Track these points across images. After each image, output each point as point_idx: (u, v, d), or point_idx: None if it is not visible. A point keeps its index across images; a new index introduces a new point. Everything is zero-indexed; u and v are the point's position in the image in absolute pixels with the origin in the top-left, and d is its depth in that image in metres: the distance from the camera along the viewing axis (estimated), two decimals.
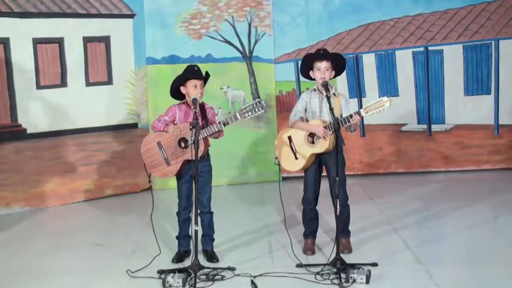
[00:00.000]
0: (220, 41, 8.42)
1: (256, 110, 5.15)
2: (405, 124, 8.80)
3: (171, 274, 4.91)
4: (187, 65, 5.47)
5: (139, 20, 8.14)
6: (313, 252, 5.56)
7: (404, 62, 8.73)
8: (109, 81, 7.96)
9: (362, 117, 5.20)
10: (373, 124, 8.58)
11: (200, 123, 5.13)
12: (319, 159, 5.49)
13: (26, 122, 7.37)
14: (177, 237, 5.58)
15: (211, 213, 5.50)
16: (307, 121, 5.49)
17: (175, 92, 5.40)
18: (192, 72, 5.30)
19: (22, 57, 7.30)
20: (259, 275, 5.03)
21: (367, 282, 4.82)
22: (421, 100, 8.80)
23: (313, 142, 5.39)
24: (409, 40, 8.67)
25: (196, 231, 4.95)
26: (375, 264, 5.14)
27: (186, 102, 5.38)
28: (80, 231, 6.59)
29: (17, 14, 7.23)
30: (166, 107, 5.47)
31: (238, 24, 8.45)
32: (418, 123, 8.83)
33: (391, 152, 8.80)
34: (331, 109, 5.11)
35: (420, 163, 8.81)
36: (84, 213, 7.29)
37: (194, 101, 5.15)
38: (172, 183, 5.73)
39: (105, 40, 7.91)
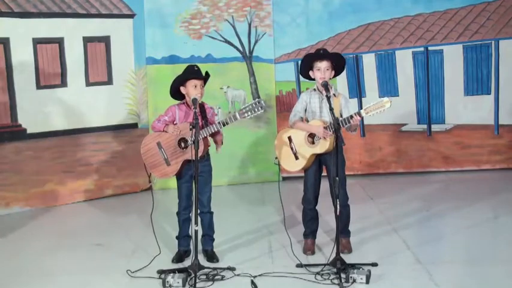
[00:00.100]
0: (220, 41, 8.42)
1: (256, 109, 5.15)
2: (405, 124, 8.80)
3: (171, 274, 4.91)
4: (187, 65, 5.47)
5: (139, 20, 8.14)
6: (313, 252, 5.56)
7: (404, 62, 8.73)
8: (109, 81, 7.96)
9: (362, 118, 5.21)
10: (373, 124, 8.58)
11: (200, 123, 5.12)
12: (319, 160, 5.49)
13: (26, 122, 7.37)
14: (177, 237, 5.58)
15: (211, 213, 5.50)
16: (307, 121, 5.49)
17: (175, 92, 5.40)
18: (192, 72, 5.30)
19: (22, 57, 7.30)
20: (259, 275, 5.03)
21: (367, 282, 4.82)
22: (421, 100, 8.80)
23: (313, 142, 5.39)
24: (409, 40, 8.67)
25: (196, 231, 4.95)
26: (375, 264, 5.14)
27: (186, 102, 5.38)
28: (80, 231, 6.60)
29: (17, 14, 7.23)
30: (166, 107, 5.47)
31: (238, 24, 8.45)
32: (418, 123, 8.83)
33: (391, 152, 8.80)
34: (331, 109, 5.11)
35: (420, 163, 8.81)
36: (84, 213, 7.29)
37: (194, 101, 5.15)
38: (172, 183, 5.74)
39: (105, 40, 7.91)
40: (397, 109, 8.21)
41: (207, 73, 5.37)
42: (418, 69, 8.75)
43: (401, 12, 8.65)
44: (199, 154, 5.03)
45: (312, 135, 5.39)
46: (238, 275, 5.08)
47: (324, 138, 5.28)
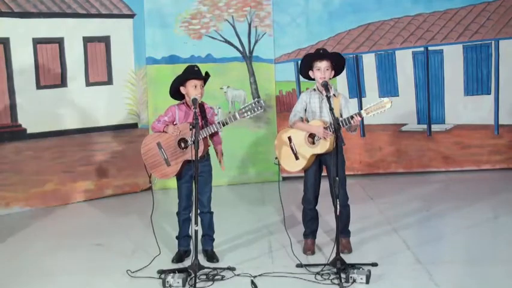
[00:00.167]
0: (220, 41, 8.42)
1: (256, 109, 5.14)
2: (405, 124, 8.80)
3: (171, 274, 4.91)
4: (187, 65, 5.47)
5: (139, 20, 8.14)
6: (313, 252, 5.56)
7: (404, 62, 8.73)
8: (109, 81, 7.96)
9: (362, 118, 5.21)
10: (373, 124, 8.58)
11: (200, 124, 5.12)
12: (319, 160, 5.49)
13: (26, 122, 7.37)
14: (177, 237, 5.58)
15: (211, 213, 5.50)
16: (308, 121, 5.49)
17: (175, 92, 5.40)
18: (192, 73, 5.30)
19: (22, 57, 7.30)
20: (259, 275, 5.03)
21: (367, 282, 4.82)
22: (421, 100, 8.80)
23: (313, 143, 5.38)
24: (409, 40, 8.67)
25: (196, 231, 4.95)
26: (375, 264, 5.14)
27: (186, 103, 5.38)
28: (80, 231, 6.59)
29: (17, 14, 7.23)
30: (166, 107, 5.47)
31: (238, 24, 8.45)
32: (418, 123, 8.83)
33: (391, 152, 8.80)
34: (331, 109, 5.11)
35: (420, 163, 8.81)
36: (84, 213, 7.29)
37: (194, 101, 5.15)
38: (172, 183, 5.74)
39: (105, 40, 7.91)
40: (397, 109, 8.21)
41: (207, 73, 5.37)
42: (418, 69, 8.75)
43: (401, 12, 8.65)
44: (199, 154, 5.03)
45: (312, 136, 5.39)
46: (238, 275, 5.08)
47: (324, 138, 5.29)
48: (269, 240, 6.00)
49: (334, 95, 5.37)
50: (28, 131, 7.39)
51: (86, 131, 7.77)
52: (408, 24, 8.68)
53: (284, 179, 7.94)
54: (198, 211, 5.07)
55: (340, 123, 5.16)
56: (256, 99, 5.23)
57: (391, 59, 8.72)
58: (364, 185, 8.17)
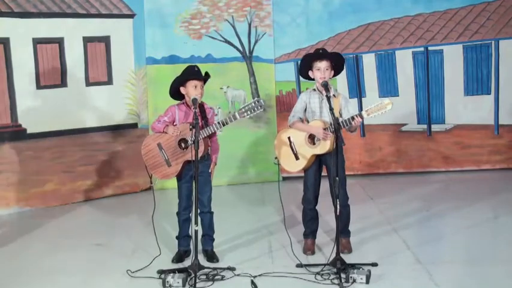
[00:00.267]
0: (220, 41, 8.42)
1: (256, 109, 5.14)
2: (405, 124, 8.80)
3: (171, 274, 4.91)
4: (187, 65, 5.47)
5: (139, 20, 8.14)
6: (313, 252, 5.56)
7: (404, 62, 8.73)
8: (109, 81, 7.96)
9: (363, 119, 5.20)
10: (373, 124, 8.57)
11: (200, 124, 5.12)
12: (319, 160, 5.49)
13: (26, 122, 7.37)
14: (177, 237, 5.58)
15: (212, 213, 5.50)
16: (308, 121, 5.49)
17: (175, 92, 5.40)
18: (192, 73, 5.30)
19: (22, 57, 7.31)
20: (259, 275, 5.03)
21: (367, 282, 4.82)
22: (421, 100, 8.80)
23: (313, 143, 5.38)
24: (409, 40, 8.67)
25: (196, 231, 4.95)
26: (375, 264, 5.14)
27: (186, 103, 5.38)
28: (80, 231, 6.59)
29: (17, 14, 7.23)
30: (166, 107, 5.47)
31: (238, 24, 8.45)
32: (418, 123, 8.83)
33: (391, 152, 8.80)
34: (331, 109, 5.11)
35: (420, 163, 8.81)
36: (84, 213, 7.29)
37: (194, 101, 5.15)
38: (172, 183, 5.73)
39: (105, 40, 7.91)
40: (397, 109, 8.16)
41: (207, 73, 5.37)
42: (418, 69, 8.75)
43: (401, 12, 8.65)
44: (200, 154, 5.03)
45: (312, 136, 5.39)
46: (238, 275, 5.08)
47: (324, 139, 5.28)
48: (269, 240, 6.00)
49: (334, 95, 5.37)
50: (28, 131, 7.39)
51: (86, 131, 7.77)
52: (408, 24, 8.68)
53: (284, 179, 7.94)
54: (198, 211, 5.07)
55: (341, 124, 5.16)
56: (256, 98, 5.22)
57: (391, 59, 8.72)
58: (364, 185, 8.17)
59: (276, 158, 5.55)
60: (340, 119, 5.22)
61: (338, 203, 5.01)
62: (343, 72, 8.34)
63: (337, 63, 5.43)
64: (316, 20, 8.58)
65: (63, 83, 7.62)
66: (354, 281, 4.82)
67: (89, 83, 7.81)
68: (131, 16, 8.07)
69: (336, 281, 4.85)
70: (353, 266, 5.00)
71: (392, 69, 8.73)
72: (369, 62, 8.70)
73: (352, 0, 8.58)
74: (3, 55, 7.18)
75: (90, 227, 6.73)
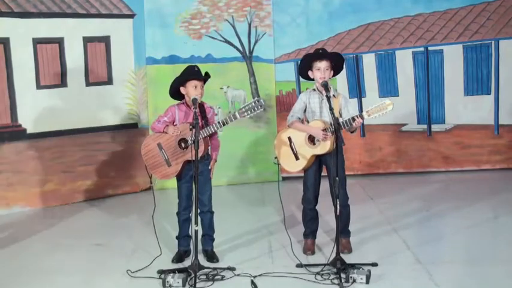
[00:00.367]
0: (220, 41, 8.42)
1: (256, 108, 5.14)
2: (405, 124, 8.80)
3: (171, 274, 4.91)
4: (187, 65, 5.47)
5: (139, 20, 8.14)
6: (313, 252, 5.56)
7: (404, 62, 8.73)
8: (109, 81, 7.96)
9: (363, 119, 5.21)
10: (373, 124, 8.57)
11: (200, 123, 5.12)
12: (319, 159, 5.49)
13: (26, 122, 7.37)
14: (177, 237, 5.58)
15: (212, 212, 5.50)
16: (308, 121, 5.49)
17: (175, 92, 5.40)
18: (193, 73, 5.30)
19: (22, 57, 7.30)
20: (259, 275, 5.03)
21: (367, 282, 4.82)
22: (421, 100, 8.80)
23: (313, 143, 5.38)
24: (409, 40, 8.67)
25: (196, 231, 4.95)
26: (375, 264, 5.14)
27: (186, 103, 5.38)
28: (79, 231, 6.59)
29: (17, 14, 7.23)
30: (166, 107, 5.47)
31: (238, 24, 8.45)
32: (418, 123, 8.83)
33: (391, 152, 8.80)
34: (331, 109, 5.10)
35: (420, 163, 8.81)
36: (84, 213, 7.29)
37: (194, 101, 5.15)
38: (172, 183, 5.73)
39: (105, 40, 7.91)
40: (397, 109, 8.14)
41: (207, 73, 5.37)
42: (418, 69, 8.75)
43: (401, 12, 8.65)
44: (200, 154, 5.03)
45: (312, 136, 5.39)
46: (238, 275, 5.08)
47: (324, 140, 5.28)
48: (269, 240, 6.00)
49: (333, 95, 5.36)
50: (28, 131, 7.39)
51: (86, 131, 7.77)
52: (408, 24, 8.68)
53: (284, 179, 7.94)
54: (198, 211, 5.07)
55: (342, 125, 5.16)
56: (256, 98, 5.22)
57: (391, 59, 8.72)
58: (364, 185, 8.17)
59: (275, 157, 5.55)
60: (341, 120, 5.22)
61: (338, 203, 5.01)
62: (343, 72, 8.35)
63: (336, 63, 5.43)
64: (316, 20, 8.59)
65: (63, 83, 7.62)
66: (354, 281, 4.82)
67: (89, 83, 7.81)
68: (131, 16, 8.08)
69: (336, 281, 4.85)
70: (353, 266, 5.00)
71: (392, 69, 8.73)
72: (369, 62, 8.70)
73: (352, 0, 8.59)
74: (3, 55, 7.18)
75: (90, 227, 6.73)
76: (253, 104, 5.14)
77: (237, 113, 5.18)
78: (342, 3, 8.58)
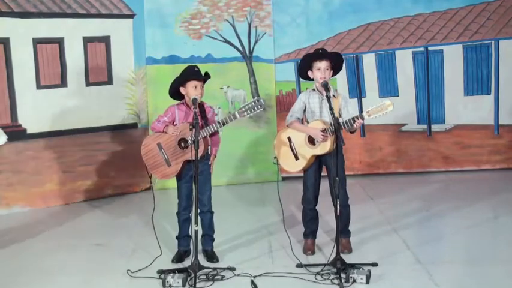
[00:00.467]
0: (220, 41, 8.42)
1: (255, 108, 5.14)
2: (405, 124, 8.80)
3: (171, 274, 4.91)
4: (187, 65, 5.48)
5: (139, 20, 8.14)
6: (313, 252, 5.56)
7: (404, 62, 8.73)
8: (109, 81, 7.96)
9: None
10: (373, 124, 8.56)
11: (200, 123, 5.12)
12: (319, 159, 5.49)
13: (26, 122, 7.37)
14: (177, 237, 5.58)
15: (212, 212, 5.50)
16: (307, 121, 5.49)
17: (175, 92, 5.40)
18: (192, 73, 5.30)
19: (22, 57, 7.30)
20: (259, 275, 5.03)
21: (367, 282, 4.82)
22: (421, 100, 8.80)
23: (313, 143, 5.38)
24: (409, 40, 8.67)
25: (196, 231, 4.95)
26: (375, 264, 5.14)
27: (186, 103, 5.38)
28: (80, 231, 6.59)
29: (17, 14, 7.23)
30: (166, 107, 5.47)
31: (238, 24, 8.45)
32: (418, 123, 8.83)
33: (391, 152, 8.80)
34: (331, 109, 5.10)
35: (420, 163, 8.81)
36: (84, 213, 7.28)
37: (194, 101, 5.15)
38: (172, 183, 5.74)
39: (105, 40, 7.91)
40: (397, 109, 8.13)
41: (206, 73, 5.37)
42: (418, 69, 8.75)
43: (401, 12, 8.65)
44: (200, 154, 5.03)
45: (312, 136, 5.38)
46: (238, 275, 5.08)
47: (324, 140, 5.28)
48: (269, 240, 6.00)
49: (333, 95, 5.36)
50: (28, 131, 7.39)
51: (86, 131, 7.77)
52: (408, 24, 8.68)
53: (284, 179, 7.94)
54: (198, 211, 5.07)
55: (342, 125, 5.15)
56: (256, 98, 5.21)
57: (391, 59, 8.72)
58: (364, 185, 8.17)
59: (275, 157, 5.54)
60: (341, 120, 5.22)
61: (338, 203, 5.01)
62: (343, 72, 8.38)
63: (336, 63, 5.43)
64: (316, 20, 8.59)
65: (63, 83, 7.62)
66: (354, 281, 4.82)
67: (89, 83, 7.81)
68: (131, 16, 8.08)
69: (336, 281, 4.85)
70: (353, 266, 5.00)
71: (392, 69, 8.73)
72: (369, 62, 8.70)
73: (352, 0, 8.59)
74: (3, 55, 7.18)
75: (90, 227, 6.73)
76: (253, 103, 5.14)
77: (236, 113, 5.18)
78: (342, 3, 8.58)
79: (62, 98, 7.59)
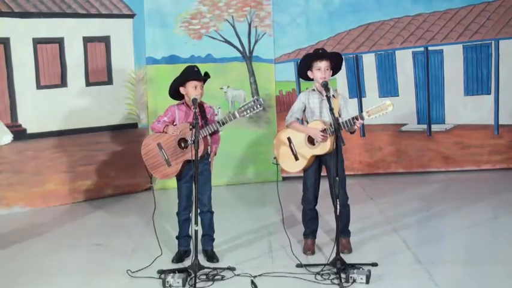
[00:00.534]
0: (220, 41, 8.42)
1: (255, 107, 5.13)
2: (405, 124, 8.80)
3: (171, 274, 4.91)
4: (187, 65, 5.48)
5: (139, 20, 8.14)
6: (313, 252, 5.56)
7: (404, 62, 8.73)
8: (109, 81, 7.96)
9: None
10: (373, 124, 8.56)
11: (200, 123, 5.12)
12: (319, 159, 5.49)
13: (26, 122, 7.37)
14: (177, 237, 5.58)
15: (212, 212, 5.50)
16: (307, 121, 5.49)
17: (174, 92, 5.40)
18: (192, 73, 5.30)
19: (22, 57, 7.30)
20: (259, 275, 5.03)
21: (367, 282, 4.82)
22: (421, 100, 8.80)
23: (313, 144, 5.38)
24: (409, 40, 8.67)
25: (196, 231, 4.95)
26: (375, 264, 5.14)
27: (186, 103, 5.38)
28: (80, 231, 6.60)
29: (17, 14, 7.23)
30: (166, 107, 5.47)
31: (238, 24, 8.45)
32: (418, 123, 8.83)
33: (391, 152, 8.80)
34: (331, 109, 5.10)
35: (420, 163, 8.81)
36: (84, 213, 7.28)
37: (194, 101, 5.15)
38: (172, 183, 5.73)
39: (105, 40, 7.91)
40: (397, 109, 8.12)
41: (206, 73, 5.37)
42: (418, 69, 8.75)
43: (401, 12, 8.65)
44: (200, 154, 5.03)
45: (311, 137, 5.38)
46: (238, 275, 5.08)
47: (323, 141, 5.28)
48: (269, 240, 6.00)
49: (333, 95, 5.36)
50: (28, 131, 7.39)
51: (86, 131, 7.77)
52: (408, 24, 8.68)
53: (284, 179, 7.94)
54: (198, 211, 5.07)
55: (342, 125, 5.15)
56: (255, 97, 5.21)
57: (391, 59, 8.72)
58: (364, 185, 8.17)
59: (274, 158, 5.54)
60: (341, 120, 5.21)
61: (338, 203, 5.01)
62: (343, 72, 8.38)
63: (335, 63, 5.43)
64: (316, 20, 8.59)
65: (63, 83, 7.62)
66: (354, 281, 4.82)
67: (89, 83, 7.81)
68: (131, 16, 8.08)
69: (336, 281, 4.85)
70: (353, 266, 5.00)
71: (392, 69, 8.73)
72: (369, 62, 8.70)
73: (352, 0, 8.59)
74: (4, 55, 7.18)
75: (90, 227, 6.73)
76: (253, 103, 5.14)
77: (236, 112, 5.18)
78: (342, 3, 8.58)
79: (62, 98, 7.59)
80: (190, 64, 5.53)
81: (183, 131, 5.27)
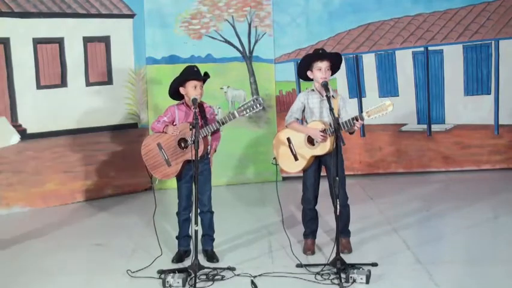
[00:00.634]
0: (220, 41, 8.42)
1: (254, 107, 5.13)
2: (405, 124, 8.80)
3: (171, 274, 4.91)
4: (187, 65, 5.48)
5: (139, 20, 8.14)
6: (313, 252, 5.56)
7: (404, 62, 8.73)
8: (109, 81, 7.96)
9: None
10: (373, 124, 8.56)
11: (200, 123, 5.12)
12: (318, 160, 5.48)
13: (26, 122, 7.37)
14: (177, 237, 5.58)
15: (212, 212, 5.50)
16: (306, 122, 5.49)
17: (174, 92, 5.40)
18: (192, 73, 5.30)
19: (22, 57, 7.31)
20: (259, 275, 5.03)
21: (367, 282, 4.82)
22: (421, 100, 8.80)
23: (313, 144, 5.38)
24: (409, 40, 8.67)
25: (196, 231, 4.95)
26: (375, 264, 5.14)
27: (185, 103, 5.38)
28: (80, 231, 6.59)
29: (17, 14, 7.23)
30: (166, 107, 5.47)
31: (238, 24, 8.45)
32: (418, 123, 8.83)
33: (391, 152, 8.80)
34: (331, 109, 5.10)
35: (420, 163, 8.81)
36: (84, 213, 7.28)
37: (194, 101, 5.15)
38: (172, 183, 5.74)
39: (105, 40, 7.91)
40: (397, 109, 8.12)
41: (206, 73, 5.37)
42: (418, 69, 8.75)
43: (401, 12, 8.65)
44: (200, 154, 5.03)
45: (311, 137, 5.38)
46: (238, 275, 5.08)
47: (323, 141, 5.28)
48: (269, 240, 6.00)
49: (332, 96, 5.36)
50: (28, 131, 7.39)
51: (86, 131, 7.77)
52: (408, 24, 8.68)
53: (284, 179, 7.94)
54: (198, 211, 5.07)
55: (341, 126, 5.15)
56: (254, 96, 5.21)
57: (391, 59, 8.72)
58: (364, 185, 8.17)
59: (274, 158, 5.54)
60: (341, 120, 5.21)
61: (338, 203, 5.01)
62: (343, 72, 8.38)
63: (335, 64, 5.43)
64: (316, 20, 8.59)
65: (63, 83, 7.62)
66: (354, 281, 4.82)
67: (89, 83, 7.81)
68: (131, 16, 8.08)
69: (336, 281, 4.85)
70: (353, 266, 5.00)
71: (392, 69, 8.73)
72: (369, 62, 8.70)
73: (352, 0, 8.59)
74: (4, 55, 7.18)
75: (90, 227, 6.73)
76: (252, 102, 5.13)
77: (235, 112, 5.18)
78: (342, 3, 8.58)
79: (62, 98, 7.59)
80: (190, 64, 5.53)
81: (183, 131, 5.28)
